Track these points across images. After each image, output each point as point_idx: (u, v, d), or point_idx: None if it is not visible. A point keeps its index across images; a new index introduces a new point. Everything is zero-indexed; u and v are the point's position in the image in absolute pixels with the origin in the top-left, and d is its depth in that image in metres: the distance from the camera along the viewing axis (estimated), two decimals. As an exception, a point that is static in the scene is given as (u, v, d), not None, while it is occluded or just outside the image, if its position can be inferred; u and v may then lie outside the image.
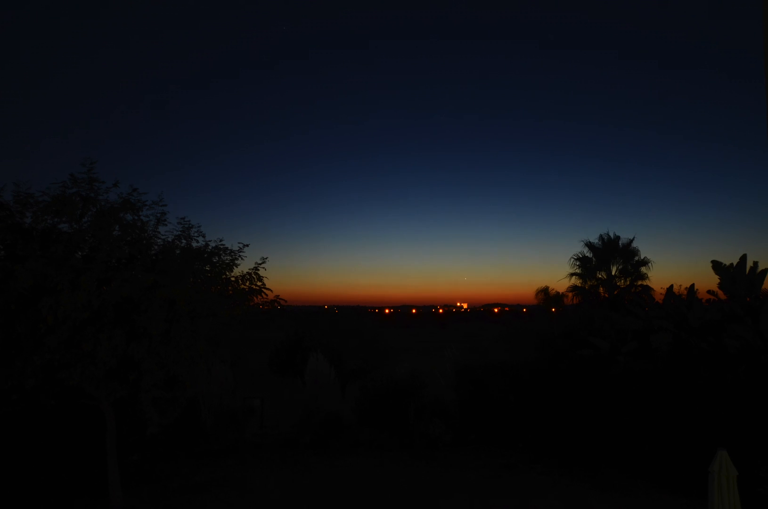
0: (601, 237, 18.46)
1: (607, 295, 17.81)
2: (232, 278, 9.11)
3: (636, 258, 17.96)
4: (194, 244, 8.96)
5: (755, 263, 11.88)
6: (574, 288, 18.27)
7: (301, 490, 9.83)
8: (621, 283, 18.01)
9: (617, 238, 18.28)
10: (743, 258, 12.03)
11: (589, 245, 18.48)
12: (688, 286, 12.81)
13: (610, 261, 18.05)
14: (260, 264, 9.16)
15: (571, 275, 18.36)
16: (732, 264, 12.07)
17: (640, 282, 17.86)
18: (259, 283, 9.14)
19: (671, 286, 13.09)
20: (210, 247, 9.02)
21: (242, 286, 9.08)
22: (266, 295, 9.24)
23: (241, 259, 9.26)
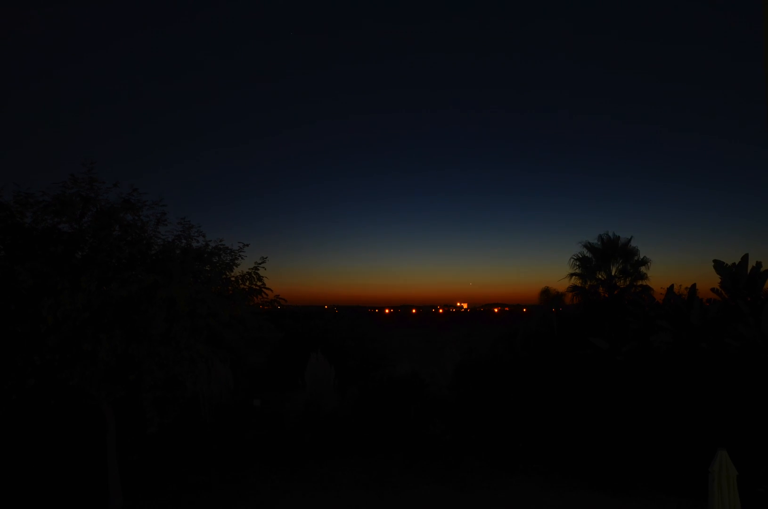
0: (600, 237, 18.46)
1: (607, 295, 17.81)
2: (232, 278, 9.12)
3: (635, 258, 17.96)
4: (194, 244, 8.97)
5: (757, 263, 11.89)
6: (574, 288, 18.28)
7: (303, 491, 9.82)
8: (621, 283, 18.02)
9: (617, 238, 18.29)
10: (745, 258, 12.04)
11: (589, 245, 18.48)
12: (689, 286, 12.83)
13: (609, 261, 18.06)
14: (260, 264, 9.17)
15: (571, 275, 18.36)
16: (734, 264, 12.07)
17: (640, 282, 17.85)
18: (259, 283, 9.15)
19: (671, 286, 13.12)
20: (210, 247, 9.03)
21: (242, 286, 9.08)
22: (266, 295, 9.26)
23: (241, 259, 9.27)
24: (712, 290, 12.57)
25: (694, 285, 12.73)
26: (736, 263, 12.11)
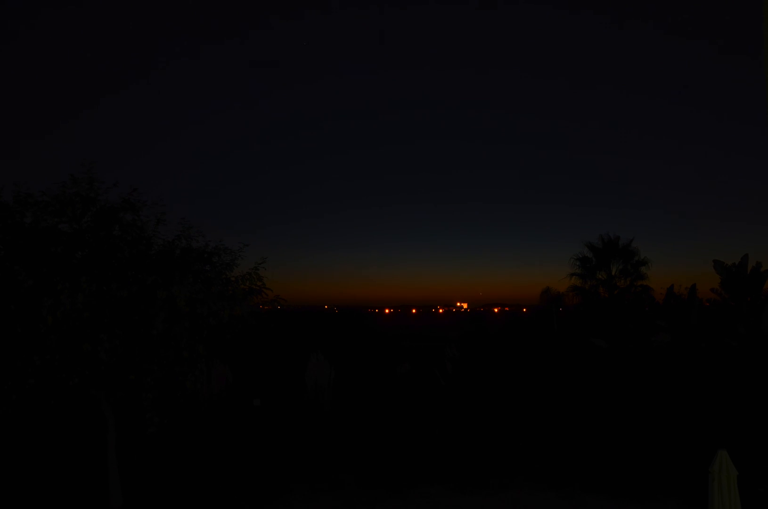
0: (601, 237, 18.52)
1: (607, 295, 17.84)
2: (232, 278, 9.11)
3: (635, 258, 18.02)
4: (194, 244, 8.98)
5: (757, 263, 11.90)
6: (574, 288, 18.36)
7: (302, 491, 9.83)
8: (621, 283, 18.07)
9: (617, 238, 18.33)
10: (745, 258, 12.04)
11: (589, 245, 18.53)
12: (689, 286, 12.83)
13: (610, 261, 18.11)
14: (260, 264, 9.16)
15: (572, 275, 18.44)
16: (734, 264, 12.08)
17: (639, 282, 17.93)
18: (259, 283, 9.14)
19: (671, 286, 13.12)
20: (210, 247, 9.04)
21: (242, 286, 9.08)
22: (266, 295, 9.24)
23: (241, 259, 9.28)
24: (712, 290, 12.57)
25: (694, 285, 12.73)
26: (736, 263, 12.11)
